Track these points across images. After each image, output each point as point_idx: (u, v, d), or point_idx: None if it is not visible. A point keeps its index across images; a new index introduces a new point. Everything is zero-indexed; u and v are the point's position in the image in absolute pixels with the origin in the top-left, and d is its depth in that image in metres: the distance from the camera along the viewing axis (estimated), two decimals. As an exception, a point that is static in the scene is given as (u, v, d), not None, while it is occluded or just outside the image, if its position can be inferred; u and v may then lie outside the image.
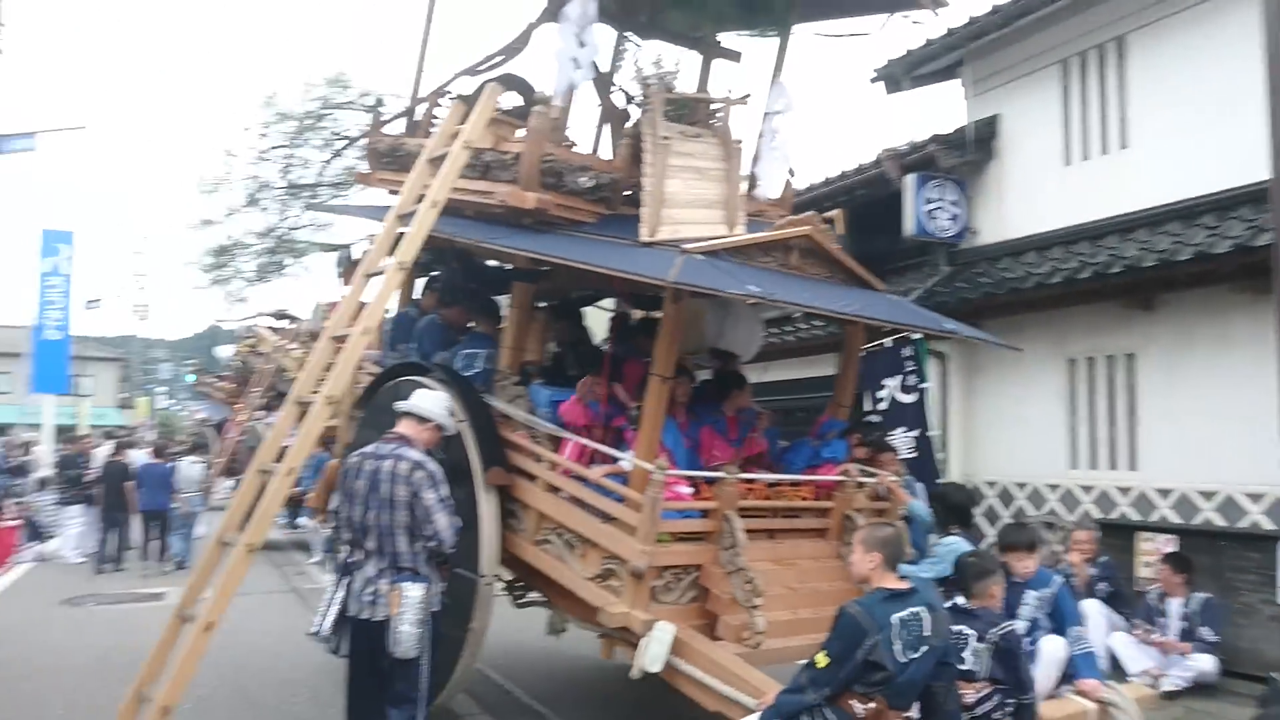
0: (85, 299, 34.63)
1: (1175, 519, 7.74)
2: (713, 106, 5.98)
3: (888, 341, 9.42)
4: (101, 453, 13.74)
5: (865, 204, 10.40)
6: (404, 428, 4.72)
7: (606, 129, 6.95)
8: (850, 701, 3.68)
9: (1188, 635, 6.88)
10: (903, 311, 5.38)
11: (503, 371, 5.85)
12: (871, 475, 5.69)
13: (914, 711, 3.92)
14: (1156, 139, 8.21)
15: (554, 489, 5.22)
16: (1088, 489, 8.48)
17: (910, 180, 9.55)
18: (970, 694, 4.15)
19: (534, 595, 6.38)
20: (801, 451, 5.67)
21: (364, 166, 7.49)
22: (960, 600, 4.46)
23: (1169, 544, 7.60)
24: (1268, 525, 7.06)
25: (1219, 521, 7.42)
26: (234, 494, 6.59)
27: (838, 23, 6.87)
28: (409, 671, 4.50)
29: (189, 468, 13.26)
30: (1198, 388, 7.63)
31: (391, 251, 5.58)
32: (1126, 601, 7.44)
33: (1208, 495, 7.51)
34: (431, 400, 4.92)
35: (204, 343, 31.03)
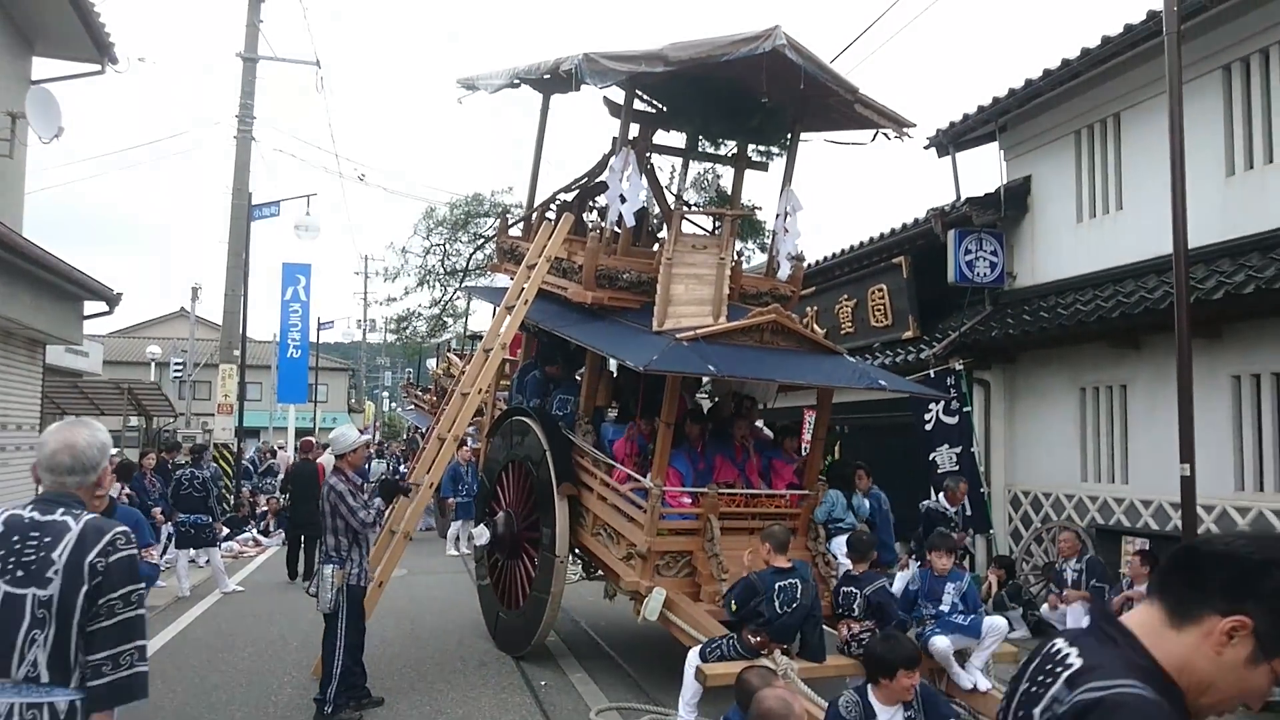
0: (319, 319, 40.03)
1: (1154, 526, 9.18)
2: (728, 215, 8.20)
3: (931, 373, 11.21)
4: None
5: (925, 252, 12.13)
6: (339, 463, 6.70)
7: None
8: (746, 635, 5.87)
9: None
10: (843, 373, 7.29)
11: (580, 413, 8.29)
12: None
13: (796, 646, 6.06)
14: (1141, 203, 9.59)
15: (602, 498, 7.60)
16: (1094, 499, 9.97)
17: (951, 235, 11.21)
18: (857, 628, 6.19)
19: (600, 572, 8.76)
20: (763, 460, 7.83)
21: (495, 259, 10.17)
22: (850, 570, 6.51)
23: (1145, 546, 9.06)
24: (1216, 531, 8.45)
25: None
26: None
27: (836, 134, 8.84)
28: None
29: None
30: (1170, 416, 8.99)
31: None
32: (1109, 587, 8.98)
33: (1175, 506, 8.91)
34: (344, 433, 6.85)
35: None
